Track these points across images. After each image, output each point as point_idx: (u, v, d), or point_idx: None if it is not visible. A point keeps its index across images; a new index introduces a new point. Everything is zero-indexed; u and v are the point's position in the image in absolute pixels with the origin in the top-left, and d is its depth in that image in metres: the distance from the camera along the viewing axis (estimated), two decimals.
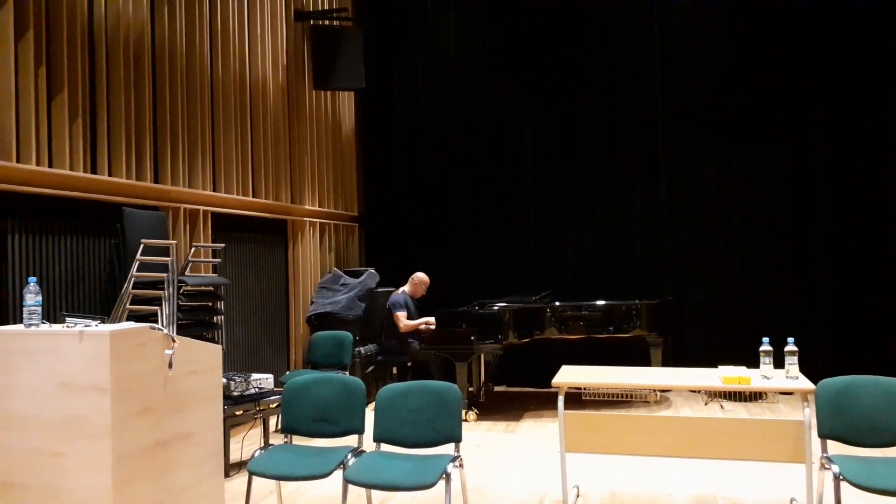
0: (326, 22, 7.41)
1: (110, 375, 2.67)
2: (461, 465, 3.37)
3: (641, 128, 7.37)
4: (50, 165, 4.17)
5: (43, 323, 2.89)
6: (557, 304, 6.34)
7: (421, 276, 6.89)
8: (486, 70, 7.86)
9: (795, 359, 3.64)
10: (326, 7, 7.64)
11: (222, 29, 5.84)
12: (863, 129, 6.76)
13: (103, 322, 2.88)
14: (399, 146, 8.21)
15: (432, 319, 6.43)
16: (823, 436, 3.40)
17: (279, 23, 6.77)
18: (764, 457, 3.62)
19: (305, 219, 7.08)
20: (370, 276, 7.24)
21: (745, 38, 7.05)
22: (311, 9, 7.38)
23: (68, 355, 2.72)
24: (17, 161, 3.93)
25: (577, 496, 4.15)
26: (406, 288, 6.84)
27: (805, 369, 3.81)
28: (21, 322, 2.91)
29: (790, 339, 3.67)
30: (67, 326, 2.79)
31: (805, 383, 3.58)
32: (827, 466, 3.23)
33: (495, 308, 6.20)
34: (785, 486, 4.22)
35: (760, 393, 6.45)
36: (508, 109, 7.78)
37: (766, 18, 6.99)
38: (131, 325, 2.93)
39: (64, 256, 4.31)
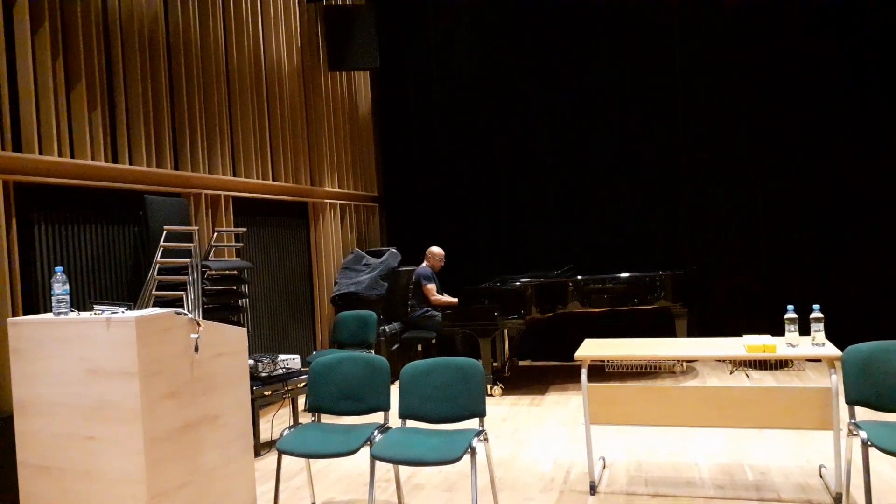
0: (339, 2, 7.37)
1: (138, 360, 2.72)
2: (486, 440, 3.40)
3: (660, 97, 7.26)
4: (72, 156, 4.23)
5: (71, 311, 2.95)
6: (580, 277, 6.32)
7: (434, 249, 6.93)
8: (501, 44, 7.77)
9: (821, 325, 3.60)
10: None
11: (235, 13, 5.84)
12: (883, 99, 6.60)
13: (130, 308, 2.93)
14: (416, 125, 8.19)
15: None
16: (851, 402, 3.37)
17: (292, 4, 6.76)
18: (791, 425, 3.60)
19: (326, 200, 7.11)
20: (392, 255, 7.28)
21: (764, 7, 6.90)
22: None
23: (97, 342, 2.77)
24: (40, 153, 3.99)
25: (604, 467, 4.16)
26: (425, 263, 6.88)
27: (831, 336, 3.77)
28: (50, 311, 2.97)
29: (816, 306, 3.63)
30: (95, 314, 2.85)
31: (831, 350, 3.54)
32: (855, 433, 3.20)
33: (518, 283, 6.20)
34: (813, 453, 4.20)
35: (787, 361, 6.39)
36: (524, 84, 7.70)
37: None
38: (157, 310, 2.98)
39: (89, 245, 4.38)
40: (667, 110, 7.24)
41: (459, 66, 7.95)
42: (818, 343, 3.59)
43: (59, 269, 2.94)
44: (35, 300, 3.97)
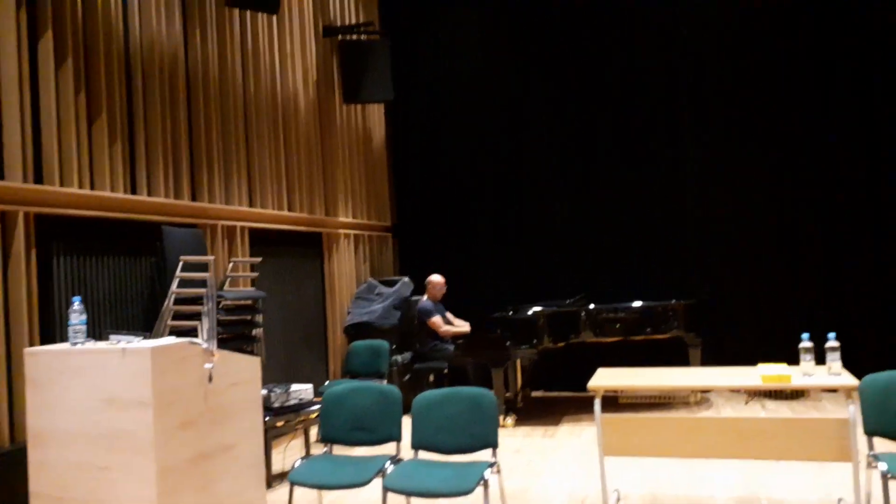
0: (354, 37, 7.51)
1: (152, 390, 2.74)
2: (499, 471, 3.38)
3: (667, 128, 7.30)
4: (91, 188, 4.30)
5: (88, 341, 2.98)
6: (592, 306, 6.30)
7: (433, 278, 6.90)
8: (512, 75, 7.86)
9: (838, 354, 3.57)
10: (353, 22, 7.75)
11: (253, 48, 5.96)
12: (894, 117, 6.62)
13: (146, 338, 2.96)
14: (428, 155, 8.27)
15: (467, 326, 6.47)
16: (870, 433, 3.32)
17: (308, 40, 6.89)
18: (808, 456, 3.55)
19: (340, 231, 7.17)
20: (404, 284, 7.29)
21: (771, 21, 6.96)
22: (339, 24, 7.49)
23: (112, 372, 2.80)
24: (61, 185, 4.07)
25: (618, 500, 4.11)
26: (426, 296, 6.87)
27: (848, 365, 3.73)
28: (67, 341, 3.01)
29: (831, 335, 3.60)
30: (111, 344, 2.88)
31: (849, 379, 3.50)
32: (874, 465, 3.16)
33: (530, 312, 6.19)
34: (831, 485, 4.13)
35: (803, 391, 6.31)
36: (532, 115, 7.77)
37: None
38: (172, 340, 3.01)
39: (107, 276, 4.44)
40: (675, 140, 7.27)
41: (471, 96, 8.04)
42: (835, 372, 3.55)
43: (76, 299, 2.99)
44: (53, 330, 4.02)
